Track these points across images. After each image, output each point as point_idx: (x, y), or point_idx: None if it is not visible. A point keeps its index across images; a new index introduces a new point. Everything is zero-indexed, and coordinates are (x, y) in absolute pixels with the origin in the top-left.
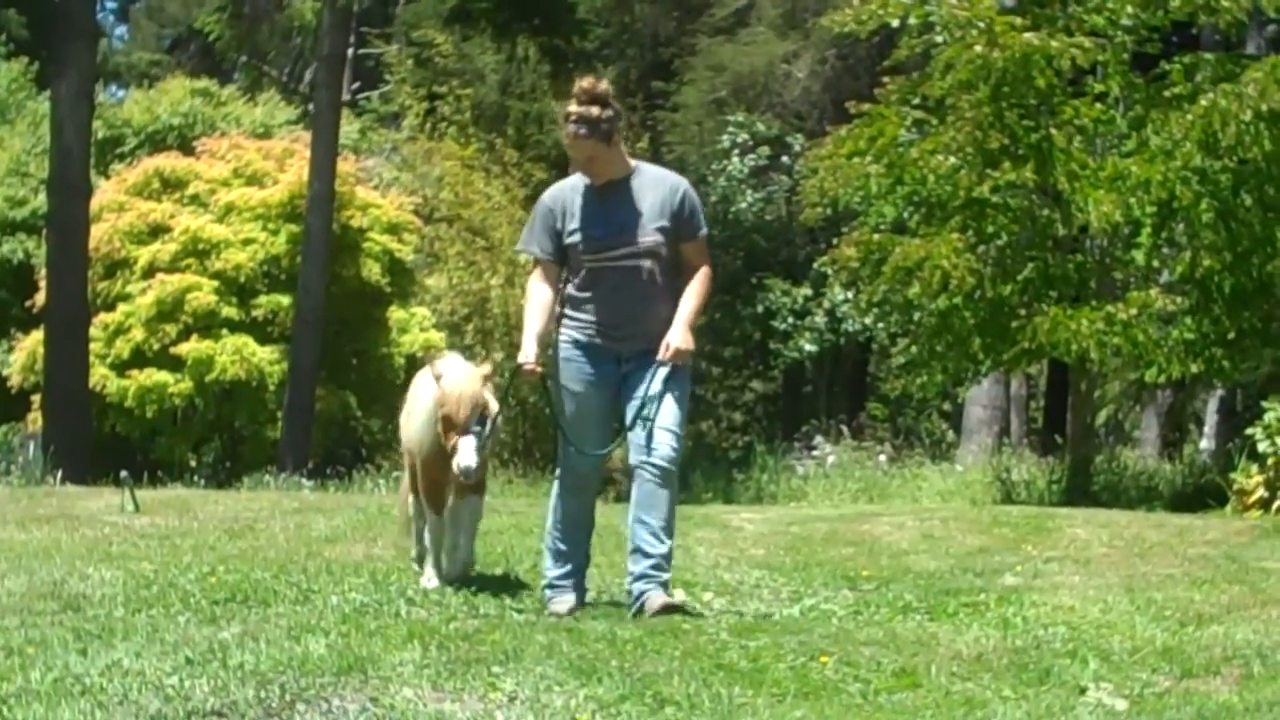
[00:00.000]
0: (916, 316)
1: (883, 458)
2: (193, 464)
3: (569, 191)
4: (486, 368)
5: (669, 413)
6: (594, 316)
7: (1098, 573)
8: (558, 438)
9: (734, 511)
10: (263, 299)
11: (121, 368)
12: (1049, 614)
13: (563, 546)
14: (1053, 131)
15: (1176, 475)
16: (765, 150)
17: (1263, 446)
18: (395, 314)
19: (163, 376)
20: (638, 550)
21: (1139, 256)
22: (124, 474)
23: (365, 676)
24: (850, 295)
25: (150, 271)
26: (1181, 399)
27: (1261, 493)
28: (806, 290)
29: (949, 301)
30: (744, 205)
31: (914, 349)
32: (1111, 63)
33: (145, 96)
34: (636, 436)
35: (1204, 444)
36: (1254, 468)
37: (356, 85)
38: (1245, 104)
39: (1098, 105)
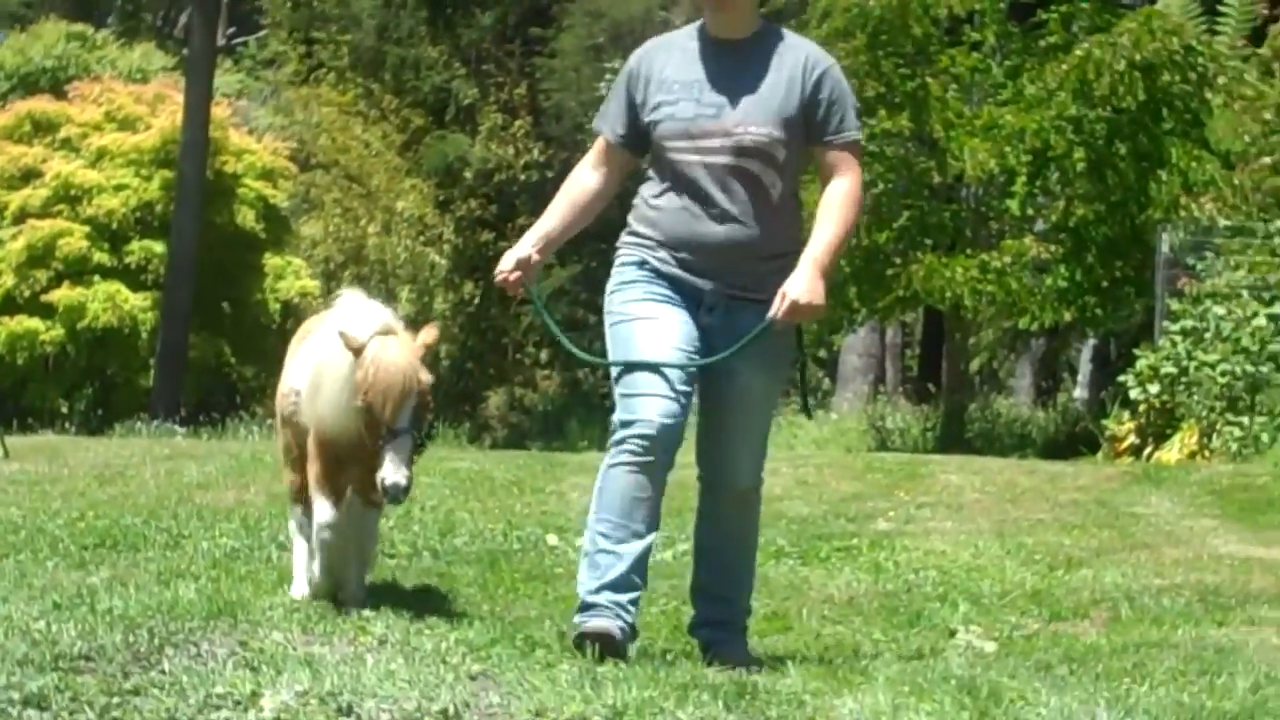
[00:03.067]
0: None
1: None
2: (64, 411)
3: (663, 50)
4: (429, 334)
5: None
6: (668, 235)
7: (969, 518)
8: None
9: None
10: (135, 245)
11: None
12: (920, 558)
13: (608, 548)
14: (929, 80)
15: (1050, 423)
16: None
17: (1134, 394)
18: (271, 261)
19: (34, 323)
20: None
21: (1013, 205)
22: None
23: (235, 621)
24: None
25: (21, 217)
26: (1055, 347)
27: (1133, 439)
28: None
29: None
30: None
31: None
32: (988, 12)
33: (17, 39)
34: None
35: (1078, 392)
36: (1126, 415)
37: (233, 30)
38: (1119, 54)
39: (974, 54)
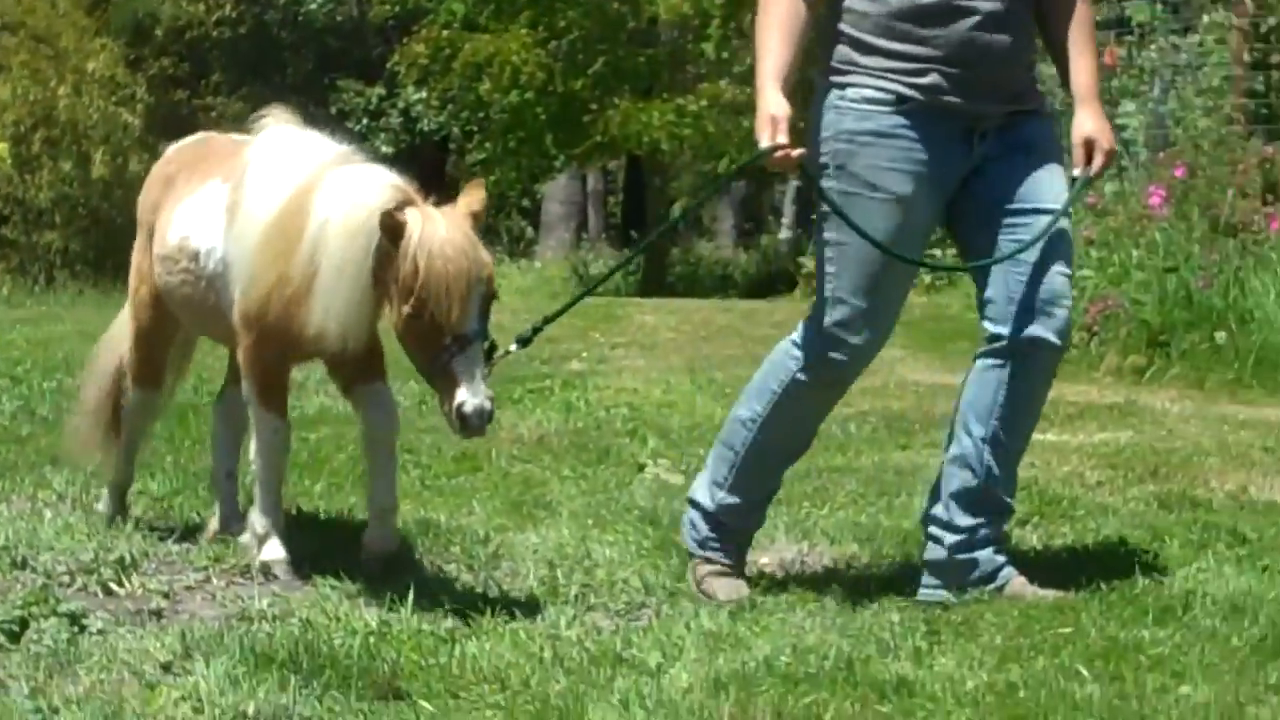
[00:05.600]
0: (489, 113)
1: None
2: None
3: None
4: (475, 197)
5: (1065, 254)
6: (930, 49)
7: (662, 356)
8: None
9: None
10: None
11: None
12: (612, 396)
13: (754, 485)
14: None
15: (751, 264)
16: None
17: None
18: None
19: None
20: (982, 492)
21: (709, 49)
22: None
23: None
24: (423, 94)
25: None
26: (755, 190)
27: None
28: (380, 90)
29: (520, 97)
30: (314, 6)
31: (488, 146)
32: None
33: None
34: (1008, 285)
35: (784, 234)
36: None
37: None
38: None
39: None
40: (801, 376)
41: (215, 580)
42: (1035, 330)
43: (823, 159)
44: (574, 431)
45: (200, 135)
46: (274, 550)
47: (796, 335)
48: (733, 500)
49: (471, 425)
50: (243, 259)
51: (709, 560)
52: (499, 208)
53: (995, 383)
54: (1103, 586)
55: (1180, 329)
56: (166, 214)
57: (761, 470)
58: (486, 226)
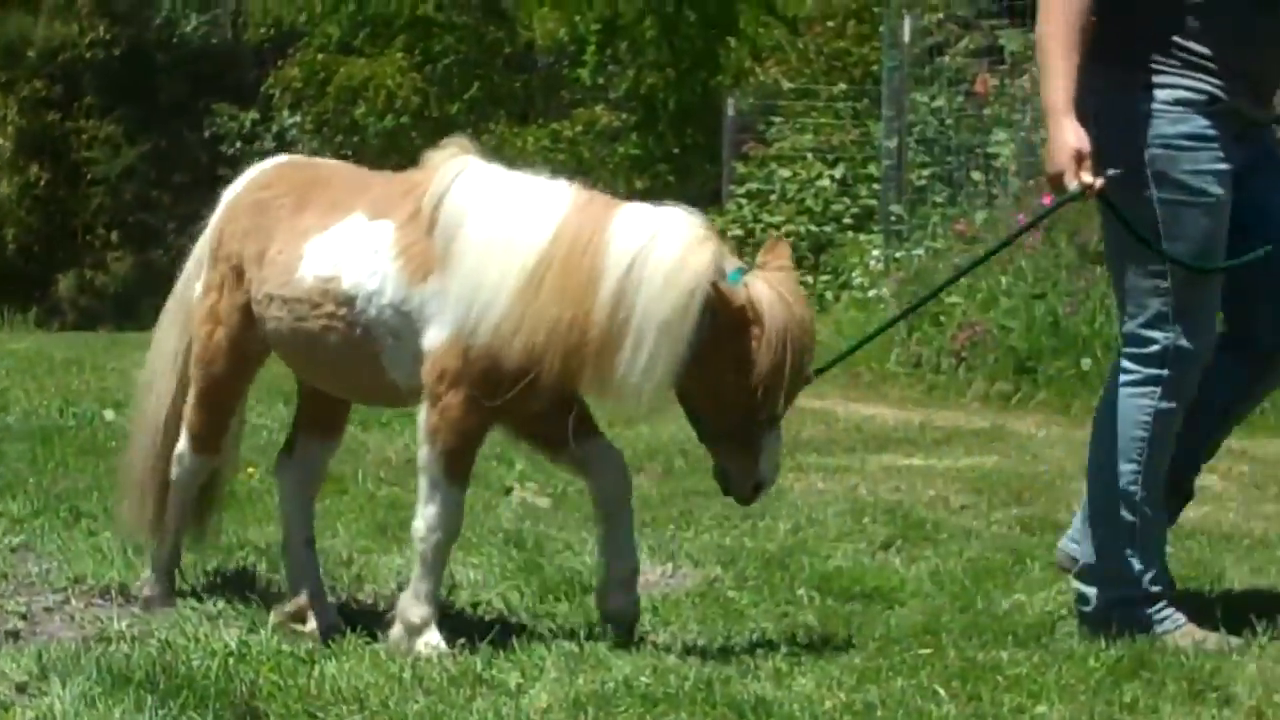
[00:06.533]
0: (364, 137)
1: None
2: None
3: None
4: (784, 257)
5: None
6: (1237, 50)
7: None
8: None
9: None
10: None
11: None
12: None
13: (1157, 539)
14: None
15: None
16: None
17: None
18: None
19: None
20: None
21: (584, 74)
22: None
23: None
24: (298, 118)
25: None
26: None
27: None
28: (255, 114)
29: (396, 121)
30: (189, 29)
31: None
32: None
33: None
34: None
35: None
36: None
37: None
38: None
39: None
40: (1166, 405)
41: (74, 601)
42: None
43: (1137, 168)
44: None
45: (284, 158)
46: (433, 640)
47: (1129, 375)
48: (1153, 571)
49: (759, 490)
50: (473, 305)
51: (1177, 628)
52: None
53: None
54: (964, 608)
55: (1047, 355)
56: (286, 248)
57: (1160, 522)
58: None
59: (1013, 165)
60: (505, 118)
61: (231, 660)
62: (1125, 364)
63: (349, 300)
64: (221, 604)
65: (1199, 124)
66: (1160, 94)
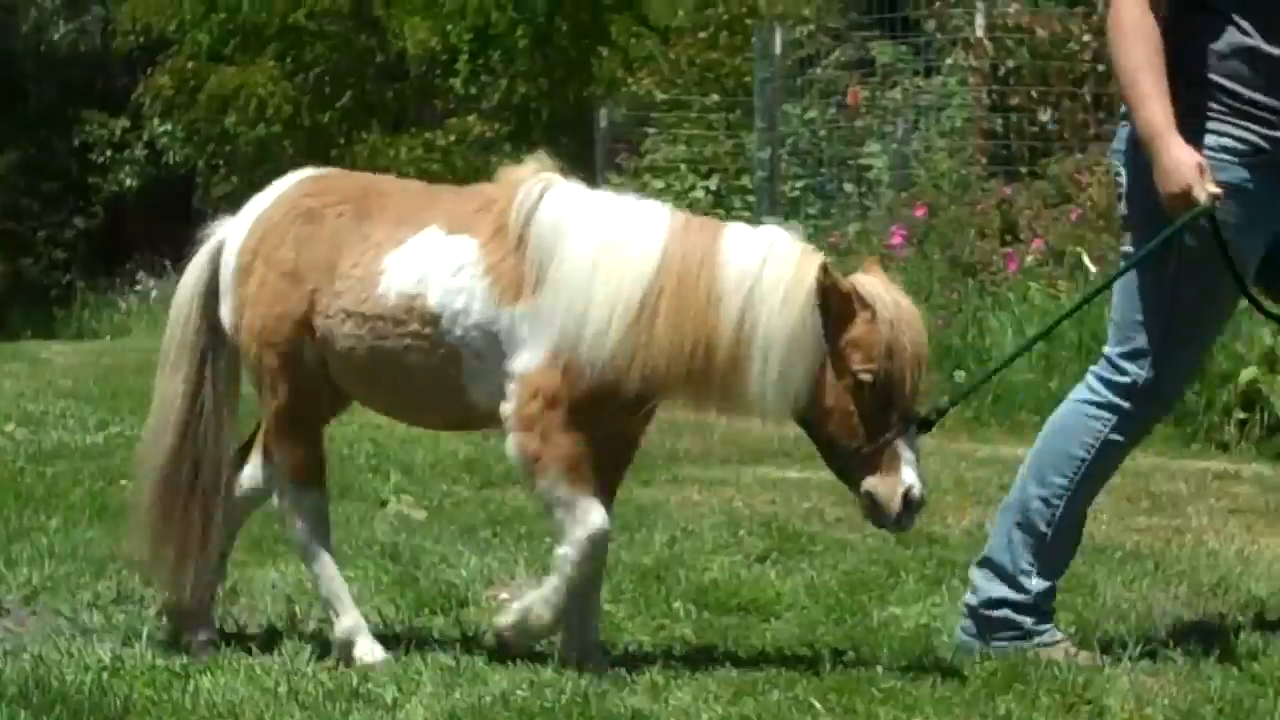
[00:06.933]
0: (236, 146)
1: None
2: None
3: None
4: (880, 274)
5: None
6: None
7: None
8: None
9: (46, 345)
10: None
11: None
12: (356, 433)
13: (1063, 561)
14: None
15: None
16: None
17: None
18: None
19: None
20: None
21: (457, 84)
22: None
23: None
24: (168, 126)
25: None
26: None
27: None
28: (125, 122)
29: (267, 130)
30: (58, 37)
31: (234, 180)
32: None
33: None
34: None
35: None
36: None
37: None
38: None
39: None
40: (1116, 436)
41: None
42: None
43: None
44: None
45: (324, 170)
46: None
47: (1092, 395)
48: (1046, 584)
49: (914, 510)
50: (580, 331)
51: (1053, 643)
52: None
53: None
54: (839, 621)
55: None
56: (362, 262)
57: (1070, 543)
58: None
59: (885, 177)
60: (378, 127)
61: (105, 675)
62: (1091, 382)
63: (434, 319)
64: (97, 618)
65: (1237, 175)
66: (1207, 139)
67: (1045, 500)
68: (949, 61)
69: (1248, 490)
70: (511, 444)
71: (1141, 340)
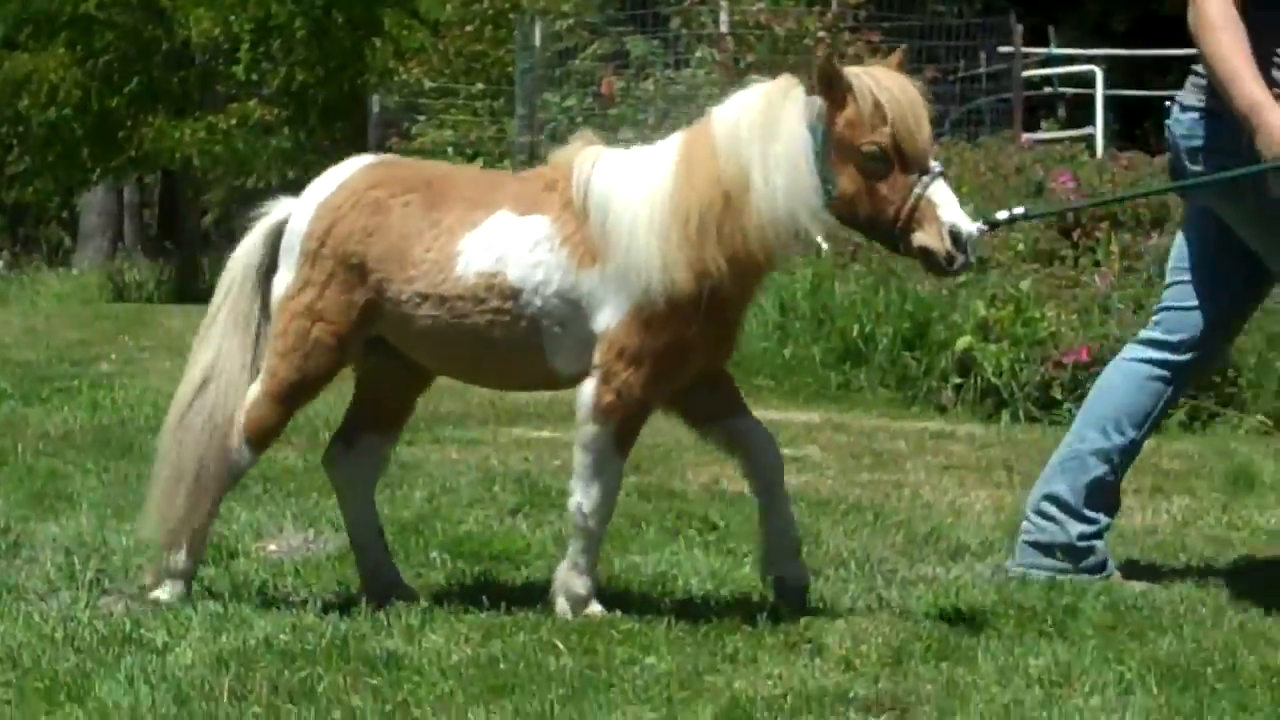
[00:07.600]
0: (29, 127)
1: (1, 264)
2: None
3: None
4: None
5: None
6: None
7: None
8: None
9: None
10: None
11: None
12: (137, 396)
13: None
14: None
15: None
16: None
17: None
18: None
19: None
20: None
21: (239, 71)
22: None
23: None
24: None
25: None
26: None
27: None
28: None
29: (58, 114)
30: None
31: (27, 159)
32: None
33: None
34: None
35: None
36: None
37: None
38: None
39: None
40: (1172, 392)
41: None
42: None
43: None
44: (99, 428)
45: (383, 157)
46: (596, 610)
47: (1157, 352)
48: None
49: (965, 246)
50: (639, 264)
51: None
52: (38, 218)
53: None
54: None
55: None
56: (435, 247)
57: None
58: (25, 236)
59: None
60: (164, 111)
61: None
62: (1147, 339)
63: (515, 293)
64: None
65: None
66: None
67: (1120, 449)
68: (697, 55)
69: (961, 449)
70: (587, 388)
71: (1192, 300)
